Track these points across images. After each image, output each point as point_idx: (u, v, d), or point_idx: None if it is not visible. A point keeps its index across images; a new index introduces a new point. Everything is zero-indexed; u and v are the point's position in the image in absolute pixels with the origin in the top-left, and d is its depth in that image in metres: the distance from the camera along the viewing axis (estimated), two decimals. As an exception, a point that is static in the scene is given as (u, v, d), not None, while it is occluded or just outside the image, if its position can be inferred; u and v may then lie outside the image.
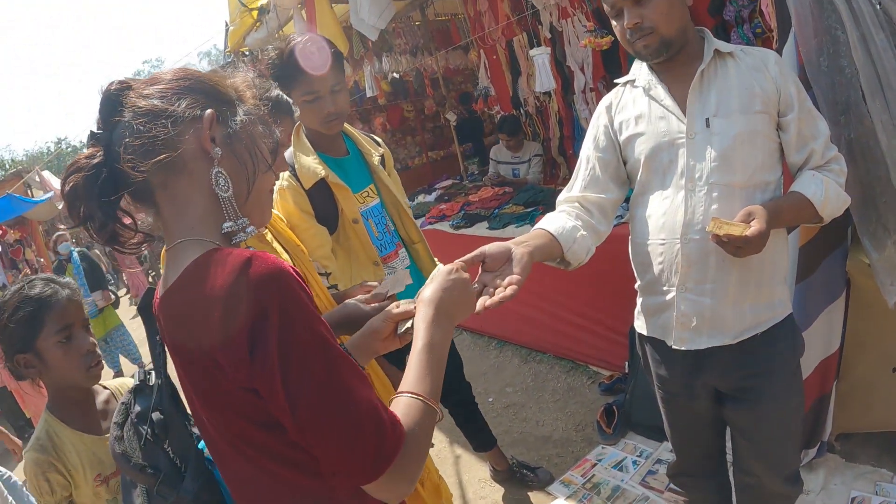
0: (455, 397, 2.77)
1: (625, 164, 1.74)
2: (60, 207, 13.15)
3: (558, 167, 5.48)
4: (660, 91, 1.64)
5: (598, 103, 1.81)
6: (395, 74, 6.88)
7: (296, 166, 2.15)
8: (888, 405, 2.30)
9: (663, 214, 1.61)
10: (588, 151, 1.79)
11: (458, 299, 1.11)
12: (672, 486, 2.58)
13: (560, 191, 4.28)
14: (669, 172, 1.61)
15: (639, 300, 1.80)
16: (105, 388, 1.76)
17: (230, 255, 0.87)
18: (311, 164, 2.14)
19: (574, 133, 5.18)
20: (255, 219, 1.02)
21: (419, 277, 2.38)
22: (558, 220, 1.66)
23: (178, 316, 0.90)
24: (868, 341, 2.24)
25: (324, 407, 0.85)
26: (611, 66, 4.56)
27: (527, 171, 5.16)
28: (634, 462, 2.83)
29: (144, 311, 1.07)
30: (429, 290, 1.11)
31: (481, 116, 7.08)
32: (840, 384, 2.35)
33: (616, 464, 2.85)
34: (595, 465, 2.87)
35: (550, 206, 3.91)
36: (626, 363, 3.33)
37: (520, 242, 1.46)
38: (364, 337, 1.24)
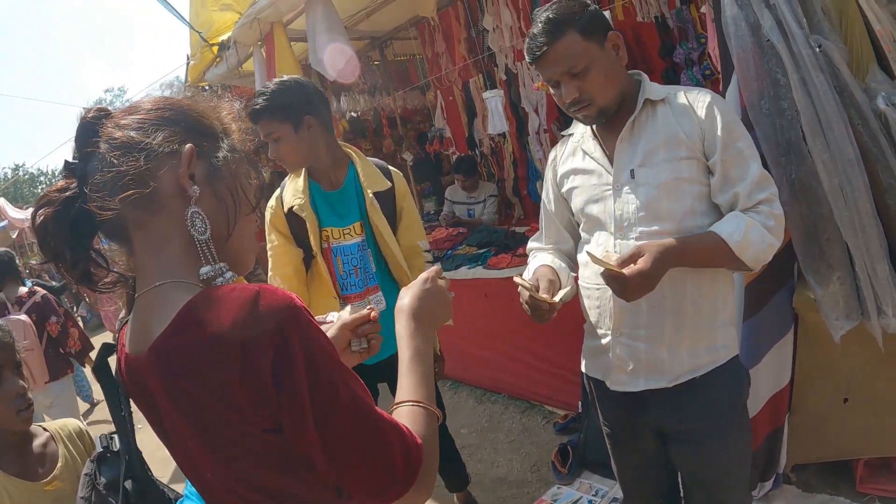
0: None
1: (572, 214, 1.80)
2: (14, 237, 12.63)
3: (513, 207, 5.54)
4: (591, 145, 1.69)
5: (551, 144, 1.88)
6: (353, 114, 6.90)
7: (285, 188, 2.31)
8: (841, 435, 2.33)
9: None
10: (544, 204, 1.88)
11: (434, 307, 1.13)
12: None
13: (515, 232, 4.32)
14: (602, 223, 1.64)
15: (584, 340, 1.82)
16: (45, 430, 1.66)
17: (234, 290, 0.81)
18: (293, 191, 2.28)
19: (528, 174, 5.25)
20: (235, 264, 0.95)
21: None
22: (556, 260, 1.77)
23: (184, 361, 0.80)
24: (818, 374, 2.28)
25: (354, 431, 0.84)
26: (564, 109, 4.67)
27: (482, 212, 5.20)
28: (590, 502, 2.79)
29: (101, 370, 1.02)
30: (406, 300, 1.12)
31: (438, 157, 7.14)
32: (793, 417, 2.38)
33: (572, 504, 2.80)
34: (551, 505, 2.83)
35: (503, 247, 3.99)
36: (580, 402, 3.32)
37: (544, 276, 1.63)
38: None
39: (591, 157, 1.67)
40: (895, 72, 2.05)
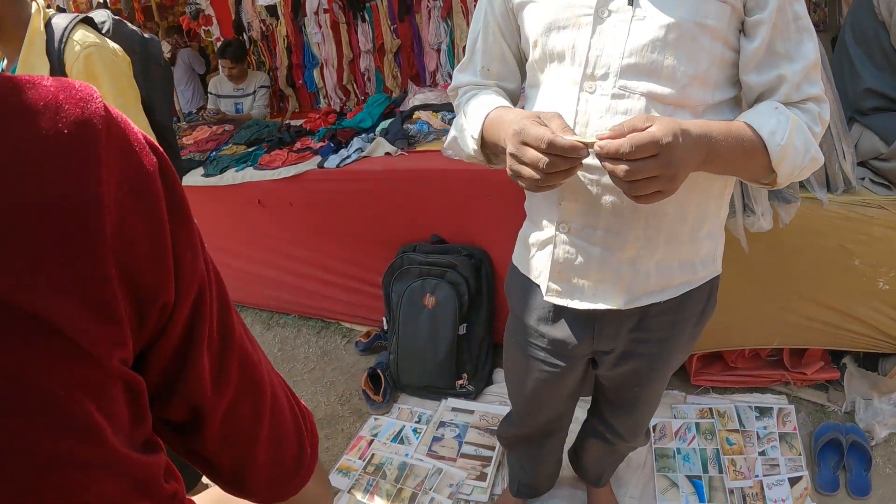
0: None
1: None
2: None
3: (286, 100, 4.82)
4: None
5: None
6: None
7: None
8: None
9: None
10: (484, 17, 1.27)
11: None
12: (464, 451, 2.32)
13: (290, 125, 3.68)
14: (565, 62, 1.12)
15: (523, 225, 1.37)
16: None
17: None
18: None
19: (304, 60, 4.56)
20: None
21: None
22: (502, 99, 1.23)
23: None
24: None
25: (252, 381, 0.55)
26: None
27: (251, 106, 4.49)
28: (415, 430, 2.48)
29: None
30: None
31: (203, 49, 6.03)
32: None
33: (395, 435, 2.48)
34: (372, 441, 2.46)
35: (277, 143, 3.38)
36: (385, 318, 2.97)
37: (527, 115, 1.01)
38: None
39: None
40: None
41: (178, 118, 4.81)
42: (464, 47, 1.33)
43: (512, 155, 0.98)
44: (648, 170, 0.89)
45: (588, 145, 0.91)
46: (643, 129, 0.90)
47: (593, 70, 1.08)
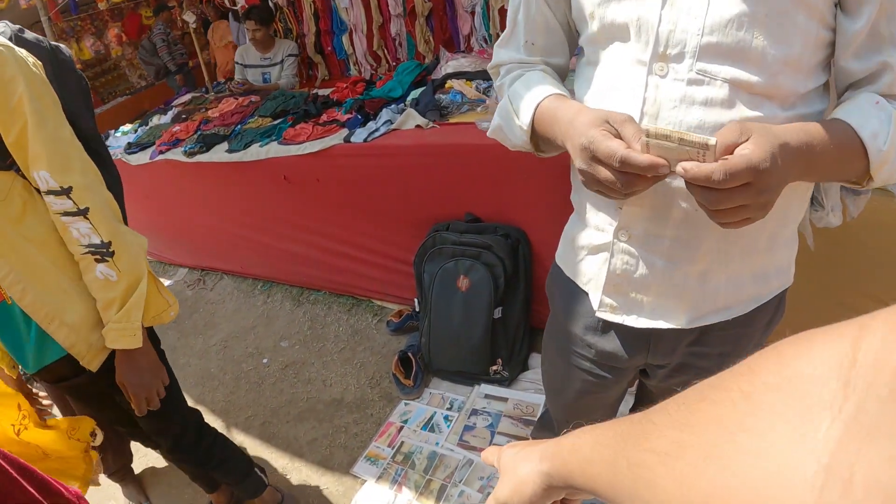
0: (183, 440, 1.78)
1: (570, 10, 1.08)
2: None
3: (315, 67, 4.70)
4: None
5: None
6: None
7: None
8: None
9: (608, 106, 0.93)
10: None
11: None
12: (496, 441, 2.21)
13: (317, 95, 3.50)
14: (629, 39, 0.94)
15: (569, 221, 1.22)
16: None
17: None
18: None
19: (332, 26, 4.41)
20: None
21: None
22: (553, 84, 1.06)
23: None
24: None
25: None
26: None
27: (279, 75, 4.35)
28: (446, 418, 2.39)
29: None
30: None
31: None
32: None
33: (425, 423, 2.38)
34: (402, 427, 2.38)
35: (302, 115, 3.24)
36: (416, 300, 2.85)
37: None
38: None
39: None
40: None
41: (206, 89, 4.70)
42: (499, 10, 1.17)
43: (583, 171, 0.87)
44: (739, 199, 0.76)
45: (669, 138, 0.77)
46: (737, 146, 0.76)
47: (665, 49, 0.89)
